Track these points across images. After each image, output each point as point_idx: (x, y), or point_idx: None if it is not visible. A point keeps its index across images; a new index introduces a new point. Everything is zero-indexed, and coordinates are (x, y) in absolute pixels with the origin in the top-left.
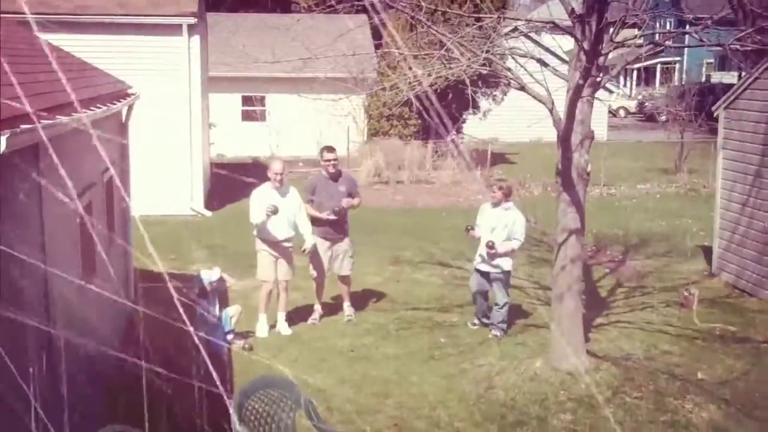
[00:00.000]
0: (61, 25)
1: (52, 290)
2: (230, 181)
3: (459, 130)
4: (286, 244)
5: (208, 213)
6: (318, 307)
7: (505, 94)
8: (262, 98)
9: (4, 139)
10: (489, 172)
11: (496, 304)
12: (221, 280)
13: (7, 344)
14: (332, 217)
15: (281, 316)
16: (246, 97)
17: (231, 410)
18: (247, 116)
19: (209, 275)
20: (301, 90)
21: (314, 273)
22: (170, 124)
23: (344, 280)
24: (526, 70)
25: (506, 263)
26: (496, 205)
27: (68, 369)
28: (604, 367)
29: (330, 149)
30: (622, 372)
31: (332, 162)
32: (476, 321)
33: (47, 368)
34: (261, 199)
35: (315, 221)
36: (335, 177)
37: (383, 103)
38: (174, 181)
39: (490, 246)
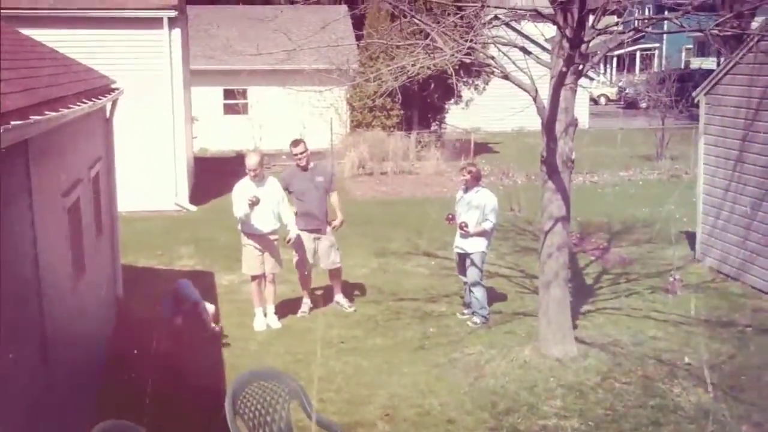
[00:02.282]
0: (44, 21)
1: (44, 287)
2: (214, 176)
3: (442, 120)
4: (272, 237)
5: (193, 208)
6: (307, 300)
7: (487, 83)
8: (244, 91)
9: None
10: (472, 161)
11: (465, 283)
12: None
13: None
14: (291, 241)
15: (270, 309)
16: (228, 90)
17: (225, 403)
18: (229, 109)
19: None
20: (284, 82)
21: (298, 264)
22: (153, 118)
23: (334, 272)
24: (509, 58)
25: (480, 244)
26: (467, 189)
27: (60, 364)
28: (592, 353)
29: (296, 143)
30: (610, 358)
31: (299, 156)
32: (465, 311)
33: (39, 364)
34: (242, 192)
35: (298, 216)
36: (307, 168)
37: (366, 95)
38: (158, 176)
39: (463, 226)
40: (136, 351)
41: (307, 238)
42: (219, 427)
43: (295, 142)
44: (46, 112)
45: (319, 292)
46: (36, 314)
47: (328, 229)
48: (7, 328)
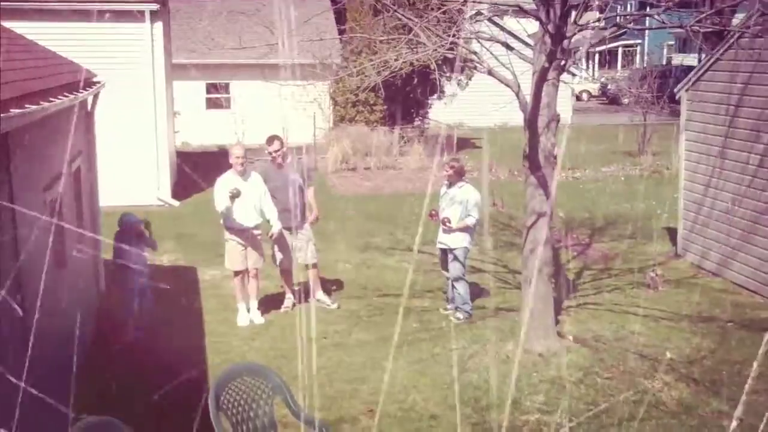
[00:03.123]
0: (23, 13)
1: (25, 281)
2: (197, 170)
3: (425, 115)
4: (254, 232)
5: (176, 203)
6: (290, 295)
7: (470, 78)
8: (227, 85)
9: None
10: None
11: (448, 279)
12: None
13: None
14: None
15: (254, 305)
16: (210, 84)
17: (209, 398)
18: (211, 104)
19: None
20: (266, 76)
21: (279, 260)
22: (135, 112)
23: (312, 268)
24: (492, 53)
25: (462, 239)
26: (450, 184)
27: (40, 361)
28: (574, 348)
29: (271, 140)
30: (593, 353)
31: (274, 153)
32: (448, 306)
33: (20, 362)
34: (225, 186)
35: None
36: (282, 165)
37: (350, 89)
38: (140, 170)
39: (445, 222)
40: (117, 346)
41: (284, 234)
42: (202, 422)
43: (270, 139)
44: (27, 105)
45: (298, 288)
46: (16, 310)
47: (305, 224)
48: None
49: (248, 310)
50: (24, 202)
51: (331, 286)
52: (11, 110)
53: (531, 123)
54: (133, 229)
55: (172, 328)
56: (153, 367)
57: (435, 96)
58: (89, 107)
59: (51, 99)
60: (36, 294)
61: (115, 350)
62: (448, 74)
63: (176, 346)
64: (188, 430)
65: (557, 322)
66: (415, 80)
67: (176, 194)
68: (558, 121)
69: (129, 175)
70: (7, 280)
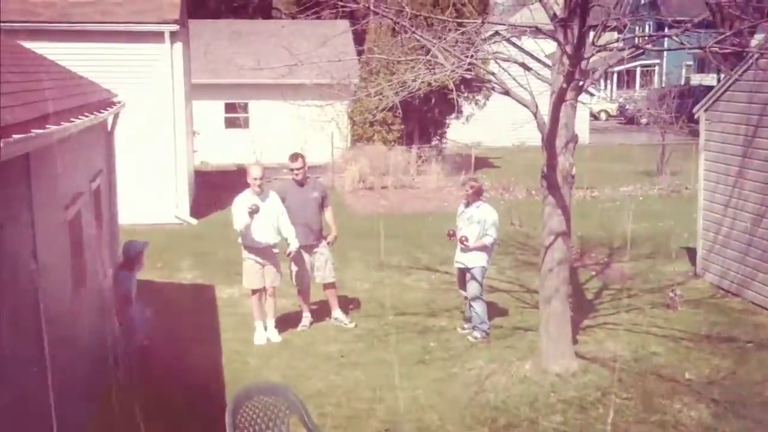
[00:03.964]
0: (45, 34)
1: (45, 300)
2: (215, 189)
3: (442, 135)
4: (272, 250)
5: (194, 221)
6: (307, 314)
7: (487, 98)
8: (245, 105)
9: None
10: (474, 176)
11: (466, 298)
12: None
13: None
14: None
15: (271, 323)
16: (229, 104)
17: (225, 417)
18: (230, 123)
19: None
20: (285, 96)
21: (296, 282)
22: (154, 132)
23: (329, 287)
24: (509, 74)
25: (480, 259)
26: (468, 204)
27: (60, 378)
28: (592, 368)
29: (294, 157)
30: (611, 373)
31: (297, 171)
32: (465, 326)
33: (40, 378)
34: (243, 204)
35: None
36: (303, 184)
37: (367, 108)
38: (159, 189)
39: (463, 241)
40: (136, 365)
41: (302, 253)
42: None
43: (294, 157)
44: (48, 126)
45: (315, 307)
46: (36, 328)
47: (323, 243)
48: (6, 344)
49: (265, 329)
50: (44, 220)
51: (348, 305)
52: (32, 131)
53: (549, 143)
54: (138, 258)
55: (189, 346)
56: (171, 385)
57: (453, 116)
58: (109, 127)
59: (72, 119)
60: (55, 312)
61: (135, 367)
62: (465, 94)
63: (194, 364)
64: None
65: (575, 341)
66: (433, 100)
67: (195, 213)
68: (576, 141)
69: (148, 193)
70: (26, 299)
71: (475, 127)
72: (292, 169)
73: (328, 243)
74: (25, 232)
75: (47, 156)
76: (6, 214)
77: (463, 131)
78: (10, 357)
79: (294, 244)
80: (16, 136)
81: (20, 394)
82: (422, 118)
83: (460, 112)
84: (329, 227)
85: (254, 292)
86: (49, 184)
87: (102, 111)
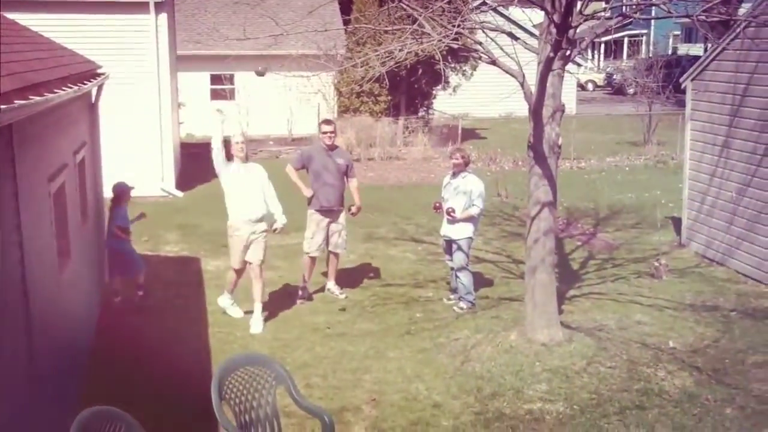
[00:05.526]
0: (27, 5)
1: (29, 273)
2: (201, 161)
3: (429, 106)
4: (259, 225)
5: (180, 194)
6: (306, 287)
7: (474, 69)
8: (231, 76)
9: None
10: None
11: (452, 269)
12: None
13: None
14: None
15: (258, 309)
16: (215, 75)
17: (211, 387)
18: (216, 95)
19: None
20: (271, 68)
21: (312, 250)
22: (139, 103)
23: (335, 257)
24: (497, 44)
25: (466, 230)
26: (455, 174)
27: (45, 352)
28: (577, 338)
29: (328, 121)
30: (596, 342)
31: (329, 134)
32: (451, 296)
33: (25, 351)
34: (228, 168)
35: (314, 195)
36: (332, 149)
37: (353, 80)
38: (144, 162)
39: (450, 212)
40: (121, 337)
41: (320, 219)
42: (205, 411)
43: (328, 121)
44: (31, 97)
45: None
46: (21, 301)
47: (342, 213)
48: None
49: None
50: (28, 192)
51: (336, 275)
52: (15, 101)
53: (536, 113)
54: (124, 195)
55: (175, 317)
56: (156, 356)
57: (439, 86)
58: (93, 99)
59: (55, 90)
60: (40, 285)
61: (121, 340)
62: (453, 65)
63: (179, 335)
64: (191, 419)
65: (561, 311)
66: (420, 71)
67: (180, 185)
68: (563, 111)
69: (133, 166)
70: (11, 271)
71: (462, 98)
72: (324, 132)
73: (352, 214)
74: (8, 204)
75: (30, 127)
76: None
77: (450, 102)
78: None
79: (281, 220)
80: (1, 106)
81: (5, 372)
82: (409, 89)
83: (447, 82)
84: (352, 197)
85: (237, 271)
86: (33, 155)
87: (86, 82)
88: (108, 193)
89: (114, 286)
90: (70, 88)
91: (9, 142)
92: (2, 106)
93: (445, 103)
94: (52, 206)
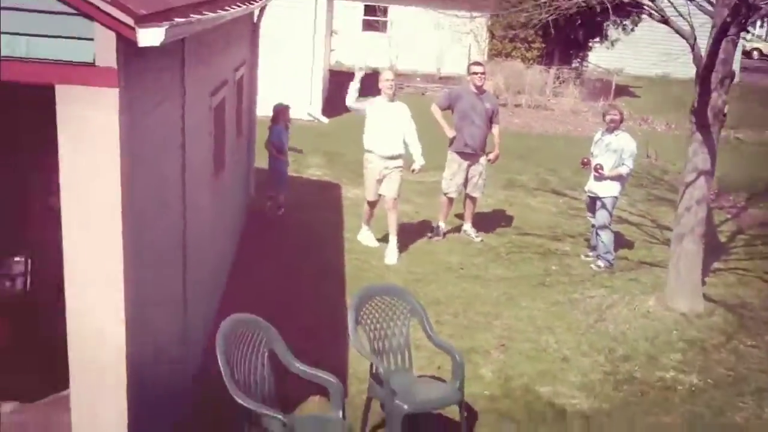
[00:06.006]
0: None
1: (188, 176)
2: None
3: (584, 58)
4: (392, 162)
5: (325, 119)
6: (442, 224)
7: (636, 24)
8: (385, 9)
9: (162, 30)
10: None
11: (593, 226)
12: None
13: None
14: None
15: (393, 241)
16: (369, 6)
17: (349, 310)
18: (368, 26)
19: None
20: (427, 3)
21: (450, 191)
22: (296, 28)
23: (472, 201)
24: (670, 2)
25: (613, 188)
26: (608, 131)
27: (194, 256)
28: (718, 311)
29: (478, 63)
30: (737, 319)
31: (480, 74)
32: (590, 253)
33: (181, 254)
34: (367, 102)
35: (457, 136)
36: (481, 91)
37: (509, 24)
38: (294, 85)
39: (598, 169)
40: (261, 251)
41: (460, 161)
42: (339, 332)
43: (477, 62)
44: (205, 12)
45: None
46: (179, 203)
47: (483, 157)
48: (153, 215)
49: (375, 237)
50: (192, 105)
51: (473, 219)
52: (191, 15)
53: (704, 78)
54: (281, 114)
55: (313, 240)
56: (294, 275)
57: (597, 39)
58: (255, 19)
59: (225, 8)
60: (196, 189)
61: (262, 253)
62: (614, 19)
63: (316, 258)
64: (325, 340)
65: (704, 283)
66: (579, 21)
67: (326, 111)
68: (733, 77)
69: (283, 88)
70: (172, 176)
71: (619, 52)
72: (474, 73)
73: (489, 160)
74: (175, 113)
75: (200, 42)
76: (163, 95)
77: (606, 56)
78: (155, 229)
79: (419, 161)
80: (178, 20)
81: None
82: (564, 39)
83: (605, 36)
84: (493, 144)
85: (370, 203)
86: (199, 70)
87: (252, 2)
88: (259, 112)
89: (277, 202)
90: (239, 6)
91: (181, 56)
92: (181, 20)
93: (600, 57)
94: (211, 119)
